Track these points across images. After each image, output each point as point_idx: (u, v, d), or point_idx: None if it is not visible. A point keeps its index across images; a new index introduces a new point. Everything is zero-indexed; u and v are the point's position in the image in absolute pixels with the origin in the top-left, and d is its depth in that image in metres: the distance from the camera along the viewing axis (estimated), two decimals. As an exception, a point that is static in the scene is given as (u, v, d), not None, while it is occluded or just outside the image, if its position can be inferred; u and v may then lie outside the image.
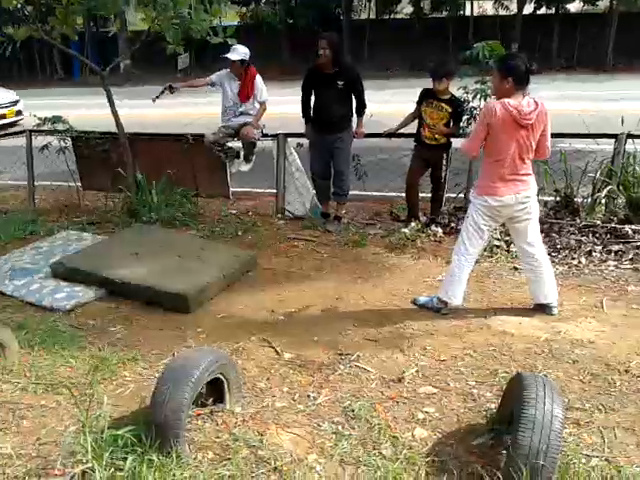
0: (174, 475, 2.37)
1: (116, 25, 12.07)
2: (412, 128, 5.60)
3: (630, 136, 5.25)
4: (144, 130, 6.96)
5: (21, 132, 7.06)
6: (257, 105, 6.05)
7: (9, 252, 5.05)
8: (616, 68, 18.38)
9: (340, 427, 2.76)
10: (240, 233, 5.59)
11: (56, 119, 6.48)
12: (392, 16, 23.46)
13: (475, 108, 5.45)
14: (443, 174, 5.57)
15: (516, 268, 4.59)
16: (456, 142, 5.49)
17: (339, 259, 4.93)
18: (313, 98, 5.66)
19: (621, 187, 5.26)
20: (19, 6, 5.79)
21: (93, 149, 6.55)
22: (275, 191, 6.43)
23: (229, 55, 5.75)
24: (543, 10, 21.14)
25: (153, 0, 5.52)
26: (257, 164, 6.37)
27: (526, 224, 3.75)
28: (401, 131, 5.70)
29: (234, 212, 6.38)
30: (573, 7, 21.43)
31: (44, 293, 4.21)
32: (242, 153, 6.25)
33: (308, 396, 3.04)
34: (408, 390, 3.06)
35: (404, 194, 5.71)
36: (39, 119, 6.43)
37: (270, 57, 22.42)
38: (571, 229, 5.11)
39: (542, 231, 5.00)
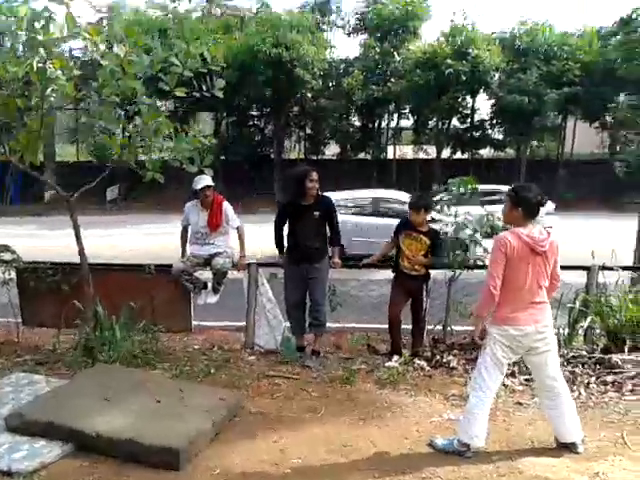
0: None
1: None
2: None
3: (602, 268, 5.42)
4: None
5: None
6: (227, 232, 5.87)
7: (-55, 401, 4.30)
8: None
9: None
10: (212, 371, 5.10)
11: (3, 248, 5.95)
12: (320, 156, 24.68)
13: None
14: (424, 305, 5.47)
15: (520, 403, 4.39)
16: (435, 273, 5.51)
17: (331, 399, 4.54)
18: (287, 229, 5.55)
19: (597, 317, 5.33)
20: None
21: (40, 281, 5.99)
22: (241, 324, 6.08)
23: (200, 184, 5.63)
24: (459, 155, 23.00)
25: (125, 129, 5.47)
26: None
27: (546, 356, 3.61)
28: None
29: (197, 347, 5.91)
30: (485, 153, 23.51)
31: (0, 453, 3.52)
32: (209, 284, 5.93)
33: None
34: None
35: (378, 325, 5.52)
36: (-16, 249, 5.87)
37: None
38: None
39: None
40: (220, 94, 5.44)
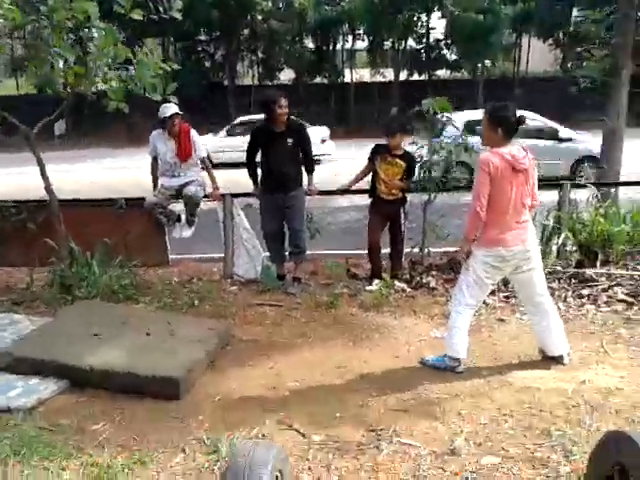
0: None
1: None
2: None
3: (573, 185, 5.56)
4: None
5: None
6: (197, 162, 5.71)
7: None
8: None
9: (423, 514, 2.44)
10: (196, 303, 5.09)
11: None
12: (274, 82, 23.99)
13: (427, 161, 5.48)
14: (402, 228, 5.53)
15: (502, 320, 4.56)
16: (411, 196, 5.53)
17: (318, 323, 4.62)
18: (259, 158, 5.43)
19: (570, 233, 5.50)
20: None
21: (5, 220, 5.75)
22: (219, 255, 6.05)
23: (168, 112, 5.40)
24: (416, 77, 22.74)
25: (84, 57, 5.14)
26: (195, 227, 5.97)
27: (532, 273, 3.71)
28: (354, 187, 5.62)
29: (176, 280, 5.85)
30: (441, 74, 23.31)
31: (-7, 392, 3.47)
32: (183, 216, 5.82)
33: (366, 483, 2.68)
34: (470, 462, 2.80)
35: (350, 251, 5.55)
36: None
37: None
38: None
39: (503, 281, 5.11)
40: (179, 15, 5.17)
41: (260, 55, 23.58)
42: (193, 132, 5.60)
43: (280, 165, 5.26)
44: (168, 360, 3.64)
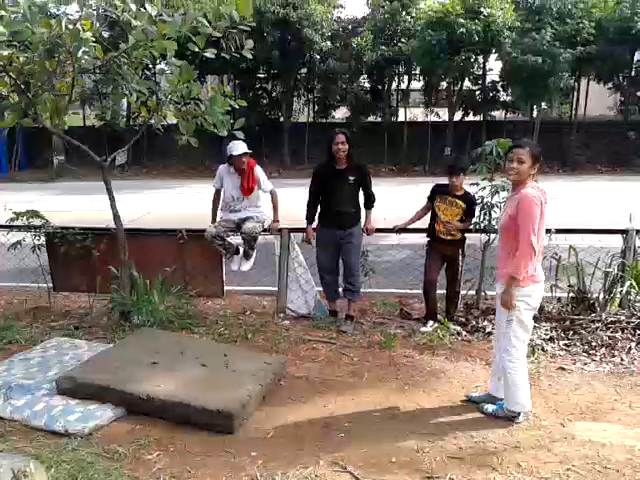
0: None
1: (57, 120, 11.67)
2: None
3: (638, 232, 5.38)
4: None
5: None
6: (259, 197, 5.82)
7: (-9, 365, 4.33)
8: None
9: None
10: (249, 336, 5.12)
11: (33, 213, 5.91)
12: (329, 120, 24.34)
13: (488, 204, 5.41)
14: (459, 270, 5.45)
15: (563, 368, 4.40)
16: (470, 237, 5.46)
17: (372, 363, 4.56)
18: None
19: (634, 282, 5.30)
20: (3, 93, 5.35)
21: (71, 246, 5.96)
22: (273, 289, 6.10)
23: (238, 150, 5.54)
24: (471, 117, 22.66)
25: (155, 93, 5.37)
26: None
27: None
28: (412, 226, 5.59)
29: (229, 312, 5.91)
30: (497, 115, 23.15)
31: (53, 415, 3.54)
32: (242, 249, 5.90)
33: (423, 532, 2.59)
34: (532, 518, 2.69)
35: (408, 290, 5.48)
36: (14, 213, 5.83)
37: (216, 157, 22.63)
38: (594, 325, 5.03)
39: (563, 328, 4.97)
40: (250, 55, 5.33)
41: (316, 93, 24.00)
42: (257, 168, 5.71)
43: (340, 202, 5.32)
44: (223, 393, 3.65)
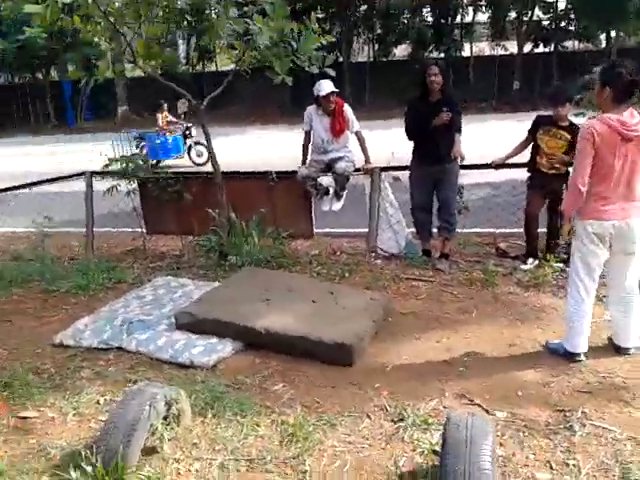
0: None
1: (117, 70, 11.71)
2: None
3: None
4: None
5: (80, 174, 6.55)
6: (348, 137, 5.72)
7: (107, 303, 4.52)
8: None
9: (640, 503, 2.30)
10: (347, 275, 5.14)
11: (126, 159, 6.03)
12: (390, 58, 23.64)
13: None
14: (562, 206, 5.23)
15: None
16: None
17: (477, 300, 4.49)
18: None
19: None
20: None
21: (163, 191, 6.05)
22: (361, 230, 6.07)
23: (326, 90, 5.42)
24: (541, 49, 21.52)
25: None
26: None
27: (629, 259, 3.37)
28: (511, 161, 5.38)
29: (320, 252, 5.93)
30: (570, 45, 21.90)
31: (178, 348, 3.68)
32: (332, 190, 5.86)
33: (566, 464, 2.57)
34: (678, 451, 2.62)
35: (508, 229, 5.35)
36: (108, 159, 5.95)
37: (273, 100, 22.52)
38: None
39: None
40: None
41: (377, 31, 23.25)
42: (346, 107, 5.59)
43: (433, 136, 5.14)
44: (339, 327, 3.69)
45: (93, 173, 6.40)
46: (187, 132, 13.00)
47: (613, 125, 3.15)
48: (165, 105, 13.29)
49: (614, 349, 3.56)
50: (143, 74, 5.63)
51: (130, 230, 6.50)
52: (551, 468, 2.55)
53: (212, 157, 5.34)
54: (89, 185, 6.40)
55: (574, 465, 2.56)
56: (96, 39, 5.19)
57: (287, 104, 21.99)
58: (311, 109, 5.69)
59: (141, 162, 6.10)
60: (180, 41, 26.57)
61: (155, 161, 11.75)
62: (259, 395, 3.25)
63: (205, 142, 5.75)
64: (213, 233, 5.46)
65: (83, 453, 2.45)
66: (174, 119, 13.23)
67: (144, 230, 6.39)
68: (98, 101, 23.42)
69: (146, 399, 2.57)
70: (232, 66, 5.31)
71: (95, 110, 24.10)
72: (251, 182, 6.05)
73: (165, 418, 2.68)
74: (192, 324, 3.88)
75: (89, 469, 2.37)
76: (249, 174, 6.19)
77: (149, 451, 2.63)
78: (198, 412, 3.01)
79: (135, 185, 6.13)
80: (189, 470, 2.57)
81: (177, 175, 6.12)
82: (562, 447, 2.70)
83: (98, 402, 3.19)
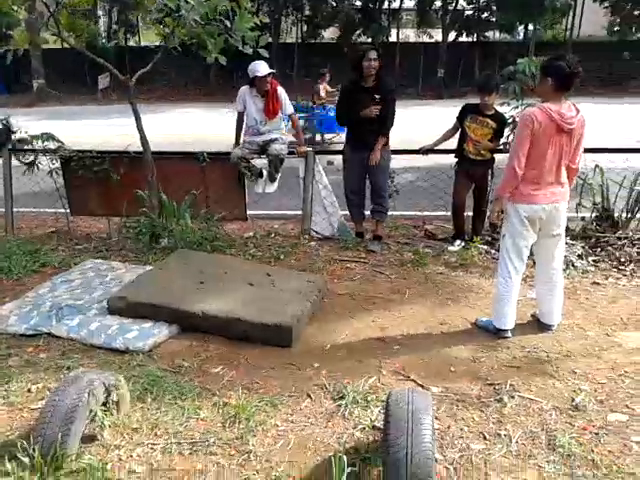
0: None
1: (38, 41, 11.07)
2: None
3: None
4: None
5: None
6: (282, 119, 5.70)
7: (33, 288, 4.32)
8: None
9: (564, 467, 2.47)
10: (282, 257, 5.15)
11: (48, 136, 5.74)
12: (318, 40, 23.61)
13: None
14: (488, 190, 5.47)
15: (597, 283, 4.53)
16: (499, 157, 5.45)
17: (409, 281, 4.64)
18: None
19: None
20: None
21: (88, 170, 5.81)
22: (294, 212, 6.11)
23: (263, 71, 5.35)
24: (464, 38, 22.11)
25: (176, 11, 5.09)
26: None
27: (556, 240, 3.61)
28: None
29: (253, 234, 5.90)
30: (491, 36, 22.62)
31: (111, 333, 3.58)
32: (265, 172, 5.83)
33: (498, 434, 2.73)
34: (597, 419, 2.83)
35: (435, 212, 5.53)
36: (29, 136, 5.65)
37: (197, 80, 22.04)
38: (621, 242, 5.14)
39: (590, 245, 5.07)
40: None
41: (306, 13, 23.13)
42: (280, 89, 5.55)
43: (366, 121, 5.21)
44: (276, 309, 3.71)
45: (12, 150, 6.04)
46: None
47: (552, 115, 3.30)
48: (328, 74, 11.97)
49: (538, 326, 3.78)
50: (60, 46, 5.35)
51: (52, 211, 6.22)
52: (484, 439, 2.69)
53: (141, 136, 5.17)
54: (7, 162, 6.04)
55: (505, 435, 2.72)
56: (15, 7, 4.85)
57: (211, 83, 21.66)
58: (245, 90, 5.62)
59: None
60: (101, 13, 25.42)
61: (324, 135, 10.67)
62: (199, 378, 3.22)
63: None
64: (143, 215, 5.31)
65: (19, 443, 2.36)
66: (334, 90, 11.64)
67: (68, 211, 6.13)
68: (12, 74, 22.04)
69: (84, 386, 2.49)
70: (157, 42, 5.14)
71: (9, 84, 22.68)
72: (182, 163, 5.91)
73: (104, 404, 2.61)
74: (125, 308, 3.78)
75: (26, 460, 2.29)
76: (180, 154, 6.05)
77: (89, 439, 2.57)
78: (137, 397, 2.95)
79: (58, 164, 5.87)
80: (131, 456, 2.52)
81: (103, 153, 5.89)
82: (493, 418, 2.85)
83: (29, 390, 3.06)
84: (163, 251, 5.14)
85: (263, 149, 5.68)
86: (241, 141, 5.75)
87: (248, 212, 6.19)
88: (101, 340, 3.55)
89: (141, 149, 5.40)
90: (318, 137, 10.75)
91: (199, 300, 3.78)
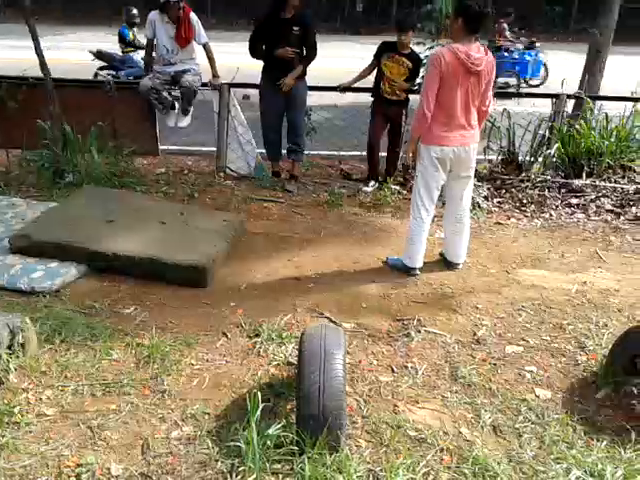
0: (355, 472, 2.11)
1: None
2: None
3: (569, 96, 5.68)
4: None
5: None
6: (194, 49, 5.45)
7: None
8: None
9: (465, 396, 2.66)
10: (196, 195, 5.04)
11: None
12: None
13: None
14: (402, 131, 5.54)
15: (500, 223, 4.77)
16: (413, 98, 5.50)
17: (325, 221, 4.69)
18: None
19: (559, 144, 5.67)
20: None
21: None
22: (209, 149, 5.96)
23: None
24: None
25: None
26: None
27: (466, 182, 3.75)
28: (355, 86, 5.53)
29: (165, 171, 5.72)
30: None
31: (14, 274, 3.40)
32: (177, 104, 5.60)
33: (405, 367, 2.88)
34: (495, 351, 3.04)
35: (351, 152, 5.58)
36: None
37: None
38: (524, 185, 5.42)
39: (495, 187, 5.33)
40: None
41: None
42: (193, 16, 5.27)
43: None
44: (190, 249, 3.66)
45: None
46: (530, 45, 11.24)
47: (460, 56, 3.31)
48: (512, 15, 11.29)
49: (445, 264, 3.96)
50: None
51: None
52: (392, 371, 2.84)
53: (40, 61, 4.79)
54: None
55: (412, 367, 2.87)
56: None
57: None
58: (154, 15, 5.29)
59: None
60: None
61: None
62: (110, 319, 3.15)
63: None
64: (45, 147, 4.99)
65: None
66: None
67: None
68: None
69: (-14, 329, 2.38)
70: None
71: None
72: (87, 92, 5.56)
73: (9, 347, 2.51)
74: (29, 247, 3.59)
75: None
76: (85, 82, 5.68)
77: (-7, 383, 2.48)
78: (45, 339, 2.85)
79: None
80: (40, 399, 2.46)
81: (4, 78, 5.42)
82: (401, 352, 3.01)
83: None
84: (68, 187, 4.89)
85: (175, 80, 5.43)
86: (152, 71, 5.46)
87: (160, 147, 5.99)
88: (3, 280, 3.37)
89: (40, 74, 5.01)
90: None
91: (109, 239, 3.66)
